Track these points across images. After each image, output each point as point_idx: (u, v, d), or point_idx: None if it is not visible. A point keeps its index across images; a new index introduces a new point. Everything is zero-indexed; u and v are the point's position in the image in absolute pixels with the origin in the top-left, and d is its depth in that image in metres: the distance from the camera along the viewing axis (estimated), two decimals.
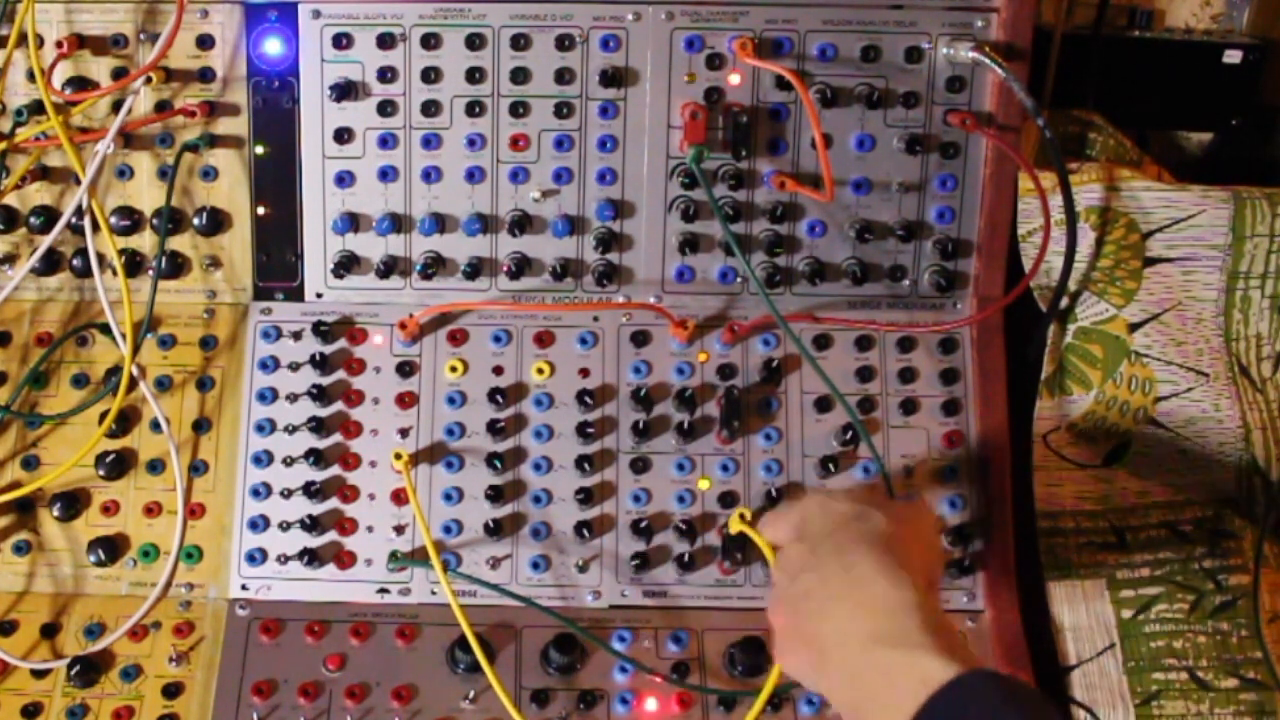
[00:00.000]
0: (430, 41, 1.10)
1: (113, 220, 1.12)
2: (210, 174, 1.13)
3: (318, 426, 1.09)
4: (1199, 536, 1.14)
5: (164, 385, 1.12)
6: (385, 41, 1.09)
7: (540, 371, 1.12)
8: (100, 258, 1.10)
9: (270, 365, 1.11)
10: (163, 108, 1.12)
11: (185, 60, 1.11)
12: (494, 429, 1.09)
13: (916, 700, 0.73)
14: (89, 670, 1.02)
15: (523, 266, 1.13)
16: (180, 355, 1.13)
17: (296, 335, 1.12)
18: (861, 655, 0.79)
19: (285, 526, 1.08)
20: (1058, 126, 1.19)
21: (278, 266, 1.14)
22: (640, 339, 1.13)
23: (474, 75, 1.10)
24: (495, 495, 1.08)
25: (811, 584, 0.85)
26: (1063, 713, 0.73)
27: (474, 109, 1.11)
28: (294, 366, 1.12)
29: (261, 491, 1.09)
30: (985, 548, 1.09)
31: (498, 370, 1.12)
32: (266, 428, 1.10)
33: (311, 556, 1.07)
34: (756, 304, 1.13)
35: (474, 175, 1.12)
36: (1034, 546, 1.13)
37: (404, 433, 1.10)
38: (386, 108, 1.11)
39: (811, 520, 0.90)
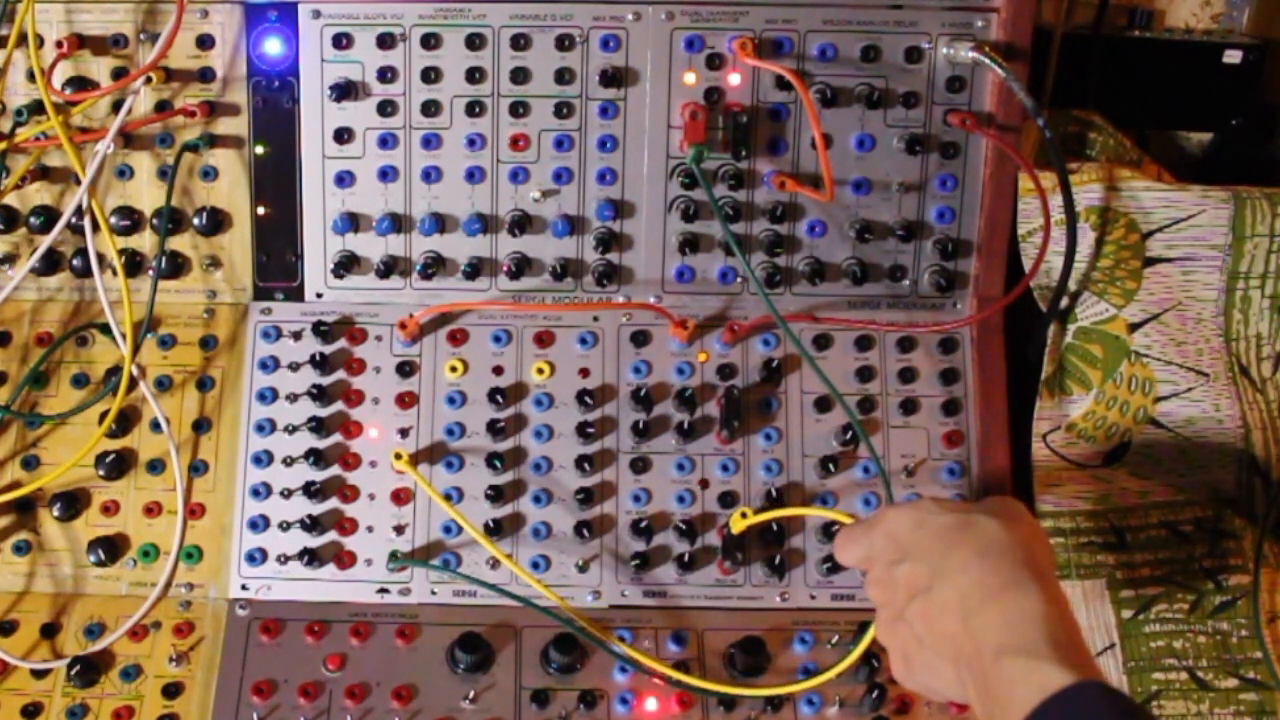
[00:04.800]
0: (430, 41, 1.10)
1: (113, 220, 1.12)
2: (210, 174, 1.13)
3: (318, 426, 1.09)
4: (1199, 536, 1.14)
5: (164, 385, 1.12)
6: (385, 41, 1.09)
7: (540, 371, 1.12)
8: (100, 258, 1.10)
9: (270, 365, 1.11)
10: (163, 108, 1.12)
11: (185, 60, 1.11)
12: (494, 429, 1.09)
13: (1030, 705, 0.76)
14: (89, 670, 1.02)
15: (523, 266, 1.13)
16: (180, 355, 1.13)
17: (296, 335, 1.12)
18: (993, 666, 0.80)
19: (285, 526, 1.08)
20: (1058, 126, 1.19)
21: (278, 266, 1.14)
22: (640, 339, 1.13)
23: (474, 75, 1.10)
24: (495, 495, 1.08)
25: (943, 600, 0.85)
26: None
27: (474, 109, 1.11)
28: (294, 366, 1.12)
29: (261, 491, 1.09)
30: None
31: (498, 370, 1.12)
32: (266, 428, 1.10)
33: (311, 556, 1.07)
34: (756, 304, 1.13)
35: (474, 175, 1.12)
36: None
37: (404, 433, 1.10)
38: (386, 108, 1.11)
39: (906, 537, 0.90)
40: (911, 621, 0.88)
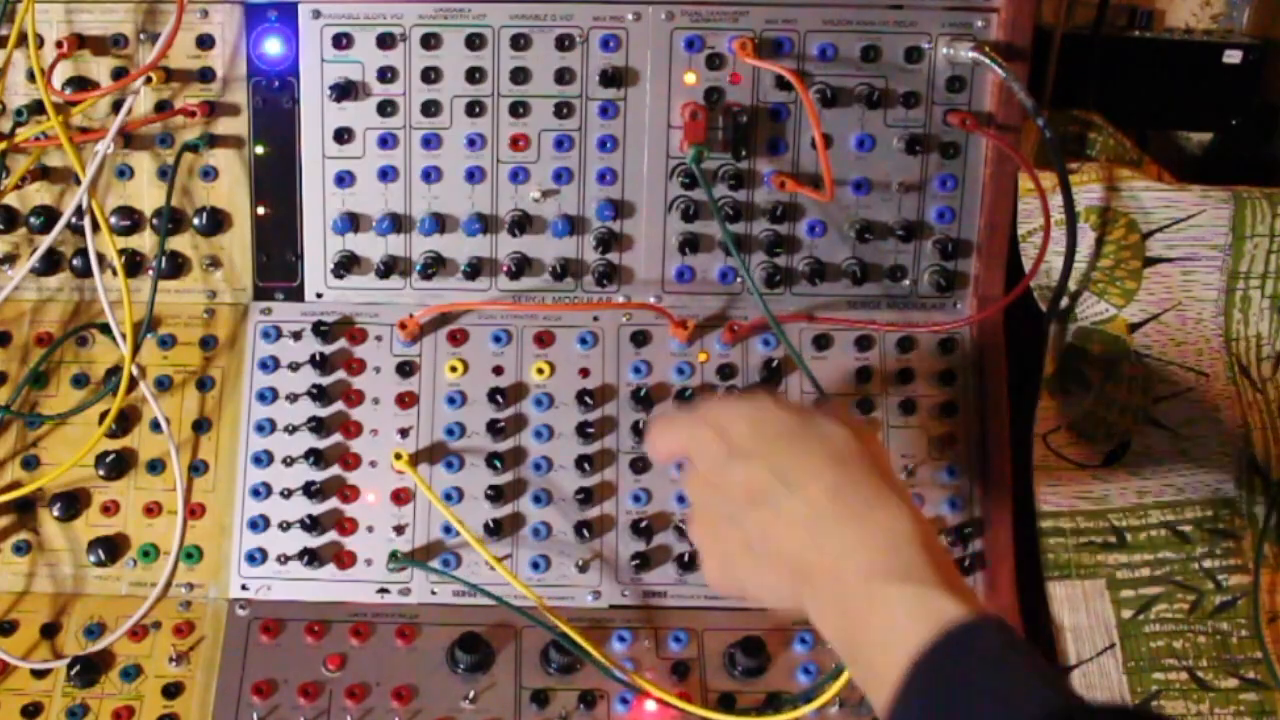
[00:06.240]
0: (430, 41, 1.10)
1: (113, 220, 1.12)
2: (210, 174, 1.13)
3: (318, 426, 1.09)
4: (1199, 536, 1.14)
5: (164, 385, 1.12)
6: (385, 41, 1.09)
7: (540, 371, 1.12)
8: (100, 258, 1.10)
9: (270, 365, 1.11)
10: (163, 108, 1.12)
11: (185, 60, 1.11)
12: (494, 429, 1.09)
13: (923, 636, 0.71)
14: (89, 670, 1.02)
15: (523, 266, 1.13)
16: (180, 355, 1.13)
17: (296, 335, 1.12)
18: (861, 589, 0.74)
19: (285, 526, 1.08)
20: (1058, 126, 1.19)
21: (278, 266, 1.14)
22: (640, 339, 1.13)
23: (474, 75, 1.10)
24: (495, 495, 1.08)
25: (791, 510, 0.78)
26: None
27: (474, 109, 1.11)
28: (294, 366, 1.12)
29: (261, 491, 1.09)
30: (985, 547, 1.09)
31: (498, 370, 1.12)
32: (266, 428, 1.10)
33: (311, 556, 1.07)
34: (756, 304, 1.13)
35: (474, 175, 1.12)
36: (1034, 546, 1.13)
37: (404, 433, 1.10)
38: (386, 108, 1.11)
39: (741, 432, 0.82)
40: (747, 528, 0.80)
